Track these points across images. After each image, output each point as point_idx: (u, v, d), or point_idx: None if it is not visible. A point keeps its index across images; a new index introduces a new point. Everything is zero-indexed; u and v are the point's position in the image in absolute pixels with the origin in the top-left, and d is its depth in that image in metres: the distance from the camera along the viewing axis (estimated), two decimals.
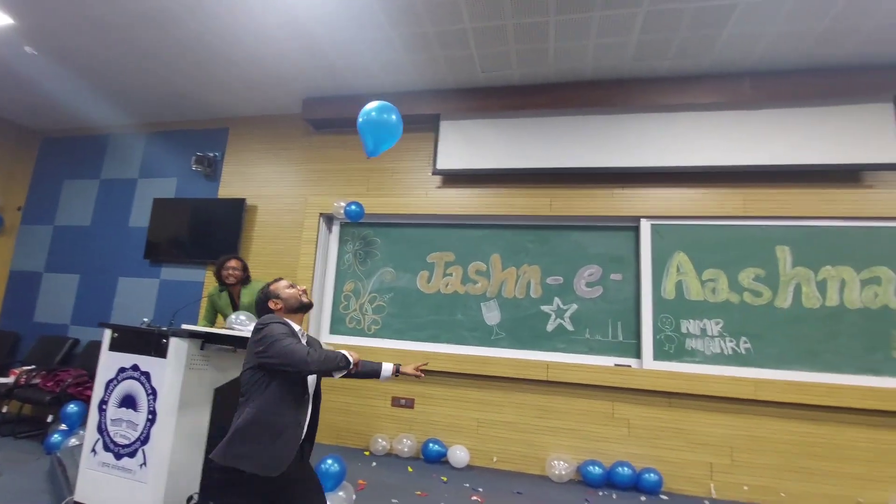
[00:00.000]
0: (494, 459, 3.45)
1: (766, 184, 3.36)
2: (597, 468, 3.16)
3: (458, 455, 3.36)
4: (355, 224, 4.02)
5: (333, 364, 1.57)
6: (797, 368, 3.12)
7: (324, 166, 4.28)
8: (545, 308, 3.59)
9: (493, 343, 3.63)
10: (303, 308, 1.84)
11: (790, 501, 3.00)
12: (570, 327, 3.52)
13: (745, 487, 3.06)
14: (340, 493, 2.41)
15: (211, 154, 4.49)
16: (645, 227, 3.50)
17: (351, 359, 1.62)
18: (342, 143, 4.28)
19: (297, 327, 1.76)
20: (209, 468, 2.17)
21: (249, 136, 4.55)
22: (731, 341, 3.23)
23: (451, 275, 3.80)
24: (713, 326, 3.26)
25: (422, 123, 4.00)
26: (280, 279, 1.91)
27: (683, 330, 3.30)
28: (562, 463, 3.25)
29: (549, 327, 3.56)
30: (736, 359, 3.20)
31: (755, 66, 3.27)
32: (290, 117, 4.41)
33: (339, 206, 3.78)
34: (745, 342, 3.21)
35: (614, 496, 3.01)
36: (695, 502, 3.00)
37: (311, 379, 1.71)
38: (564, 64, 3.39)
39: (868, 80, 3.18)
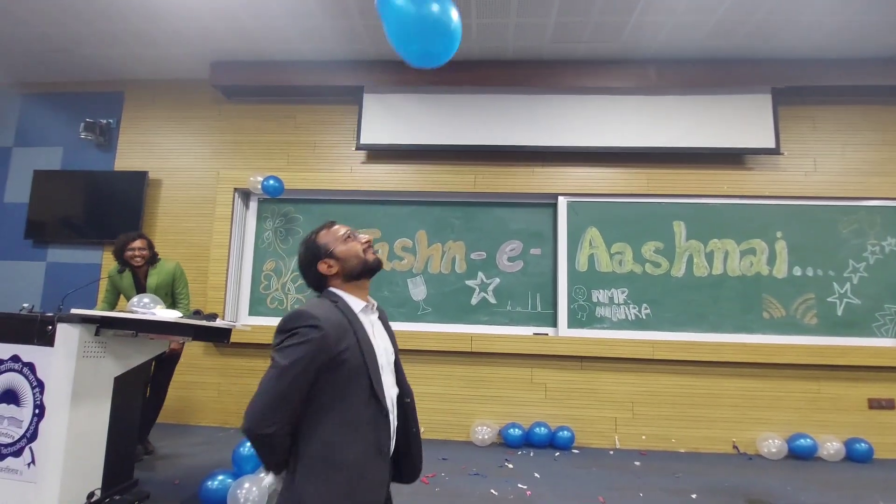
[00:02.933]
0: (422, 430, 3.55)
1: (666, 164, 3.68)
2: (517, 430, 3.38)
3: None
4: (275, 200, 3.83)
5: (264, 459, 1.05)
6: (688, 330, 3.52)
7: (238, 138, 4.00)
8: (469, 282, 3.70)
9: (420, 318, 3.69)
10: (368, 271, 1.20)
11: (679, 445, 3.43)
12: (492, 300, 3.67)
13: (643, 437, 3.44)
14: (262, 475, 2.37)
15: (104, 121, 4.01)
16: (562, 203, 3.70)
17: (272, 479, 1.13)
18: (258, 113, 4.01)
19: (358, 304, 1.13)
20: None
21: (150, 101, 4.12)
22: (634, 308, 3.55)
23: (377, 252, 3.77)
24: (619, 295, 3.57)
25: (345, 96, 3.86)
26: (332, 223, 1.24)
27: (594, 299, 3.58)
28: (485, 428, 3.43)
29: (474, 301, 3.68)
30: (638, 324, 3.54)
31: (659, 54, 3.52)
32: (196, 83, 4.04)
33: (255, 181, 3.57)
34: (646, 308, 3.55)
35: (532, 454, 3.24)
36: (601, 453, 3.32)
37: (388, 380, 1.15)
38: (487, 42, 3.42)
39: (750, 71, 3.55)
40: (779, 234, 3.56)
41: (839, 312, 3.48)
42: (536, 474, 2.87)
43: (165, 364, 2.96)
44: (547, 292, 3.66)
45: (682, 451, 3.41)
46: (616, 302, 3.57)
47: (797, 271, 3.53)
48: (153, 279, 2.92)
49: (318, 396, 1.02)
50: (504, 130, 3.69)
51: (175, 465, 2.86)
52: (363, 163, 3.87)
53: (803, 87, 3.57)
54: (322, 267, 1.15)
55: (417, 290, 3.72)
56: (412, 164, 3.83)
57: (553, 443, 3.37)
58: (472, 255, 3.73)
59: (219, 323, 2.34)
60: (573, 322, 3.56)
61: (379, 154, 3.84)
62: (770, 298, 3.51)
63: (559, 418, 3.49)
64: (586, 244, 3.65)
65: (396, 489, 1.25)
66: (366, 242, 1.22)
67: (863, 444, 3.27)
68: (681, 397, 3.49)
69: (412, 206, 3.84)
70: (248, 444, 1.21)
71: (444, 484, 2.70)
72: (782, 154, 3.57)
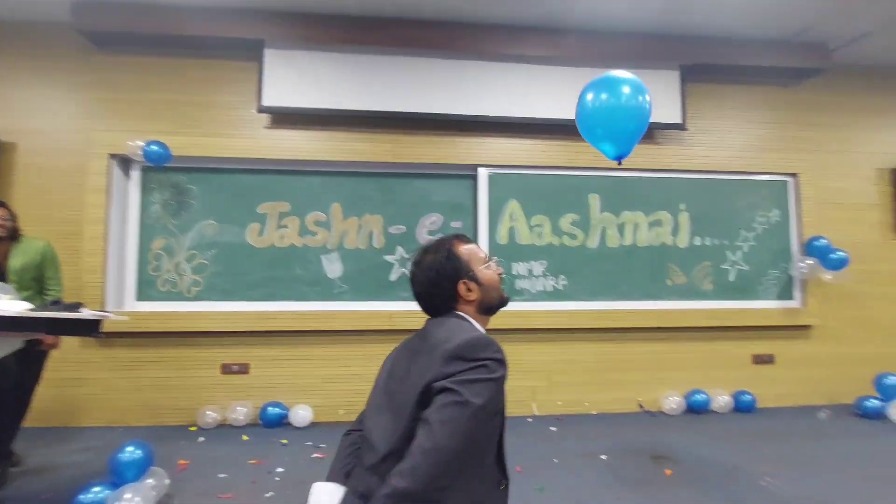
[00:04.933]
0: (342, 413, 3.41)
1: (582, 138, 3.69)
2: None
3: (301, 414, 3.22)
4: (163, 169, 3.35)
5: None
6: (602, 299, 3.65)
7: (113, 95, 3.42)
8: (388, 258, 3.54)
9: (337, 297, 3.48)
10: (499, 308, 1.09)
11: (591, 408, 3.60)
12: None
13: (559, 403, 3.56)
14: (149, 481, 2.10)
15: None
16: (482, 175, 3.61)
17: None
18: (139, 66, 3.44)
19: None
20: None
21: None
22: (552, 279, 3.61)
23: (286, 226, 3.46)
24: (538, 267, 3.60)
25: (243, 50, 3.42)
26: (467, 238, 1.11)
27: (514, 272, 3.57)
28: None
29: (393, 277, 3.53)
30: (555, 295, 3.60)
31: (580, 25, 3.47)
32: (56, 27, 3.36)
33: (135, 145, 3.08)
34: (563, 279, 3.62)
35: None
36: (520, 422, 3.39)
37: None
38: None
39: (662, 47, 3.62)
40: (682, 207, 3.76)
41: (731, 278, 3.79)
42: None
43: (31, 362, 2.51)
44: None
45: (595, 413, 3.58)
46: (535, 274, 3.60)
47: (697, 241, 3.76)
48: (16, 260, 2.44)
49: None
50: (424, 97, 3.48)
51: (45, 477, 2.48)
52: (267, 127, 3.48)
53: (709, 66, 3.71)
54: (461, 287, 1.04)
55: (333, 267, 3.49)
56: (324, 130, 3.51)
57: None
58: (391, 229, 3.55)
59: (83, 314, 1.99)
60: None
61: (286, 118, 3.47)
62: (674, 267, 3.73)
63: None
64: (507, 217, 3.61)
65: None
66: (500, 274, 1.11)
67: (748, 396, 3.64)
68: (594, 363, 3.64)
69: (325, 176, 3.54)
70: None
71: None
72: (687, 129, 3.72)
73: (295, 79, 3.39)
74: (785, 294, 3.83)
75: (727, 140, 3.89)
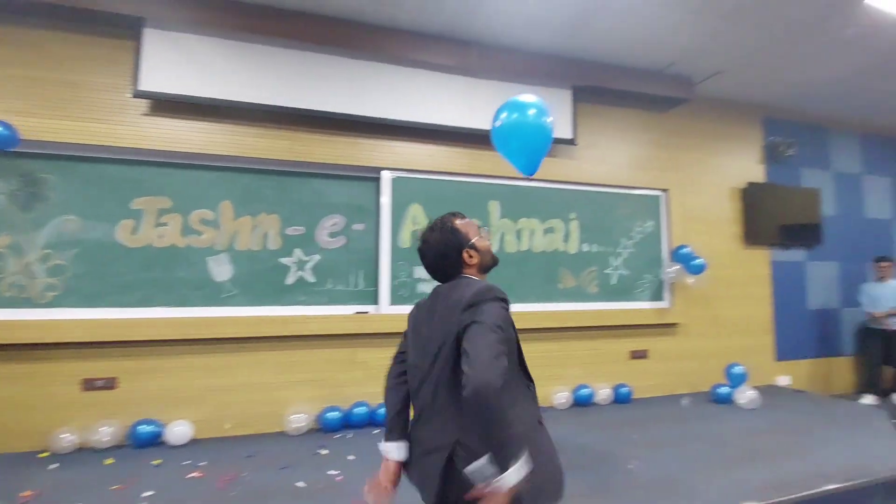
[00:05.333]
0: (228, 427, 3.17)
1: (483, 146, 3.81)
2: (335, 413, 3.25)
3: (178, 431, 2.94)
4: (10, 154, 2.87)
5: (499, 422, 0.96)
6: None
7: None
8: (284, 260, 3.37)
9: (224, 301, 3.23)
10: (493, 267, 1.36)
11: None
12: (311, 279, 3.41)
13: None
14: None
15: None
16: (386, 178, 3.59)
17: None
18: None
19: None
20: None
21: None
22: None
23: (166, 224, 3.15)
24: None
25: (117, 27, 3.06)
26: (462, 215, 1.37)
27: (416, 276, 3.60)
28: (301, 415, 3.21)
29: (289, 280, 3.37)
30: None
31: (481, 38, 3.60)
32: None
33: None
34: None
35: (350, 436, 3.16)
36: None
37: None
38: None
39: (557, 68, 3.90)
40: (572, 216, 4.07)
41: (613, 282, 4.17)
42: (351, 457, 2.80)
43: None
44: (370, 269, 3.55)
45: None
46: None
47: (585, 248, 4.09)
48: None
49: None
50: (326, 95, 3.39)
51: None
52: (146, 115, 3.15)
53: (597, 88, 4.06)
54: (465, 255, 1.28)
55: (221, 270, 3.24)
56: (215, 122, 3.26)
57: (374, 421, 3.34)
58: (288, 230, 3.39)
59: None
60: (396, 299, 3.53)
61: (168, 106, 3.16)
62: (565, 271, 4.01)
63: (379, 396, 3.46)
64: (409, 220, 3.63)
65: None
66: (489, 241, 1.39)
67: (625, 389, 4.02)
68: None
69: (215, 171, 3.29)
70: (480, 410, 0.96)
71: (246, 484, 2.43)
72: (577, 145, 4.04)
73: (180, 64, 3.11)
74: (656, 296, 4.30)
75: (610, 157, 4.29)
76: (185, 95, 3.11)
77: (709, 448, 3.00)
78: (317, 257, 3.43)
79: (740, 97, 4.75)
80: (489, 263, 1.35)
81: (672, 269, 4.19)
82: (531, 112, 1.55)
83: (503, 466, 0.95)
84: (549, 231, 4.00)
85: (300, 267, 3.39)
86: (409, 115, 3.56)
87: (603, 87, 4.04)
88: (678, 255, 4.21)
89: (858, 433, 3.28)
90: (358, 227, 3.55)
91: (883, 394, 4.65)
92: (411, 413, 1.35)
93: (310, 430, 3.25)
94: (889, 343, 4.59)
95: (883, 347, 4.65)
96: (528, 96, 1.84)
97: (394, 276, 3.54)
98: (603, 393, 3.95)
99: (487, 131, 3.68)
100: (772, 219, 4.74)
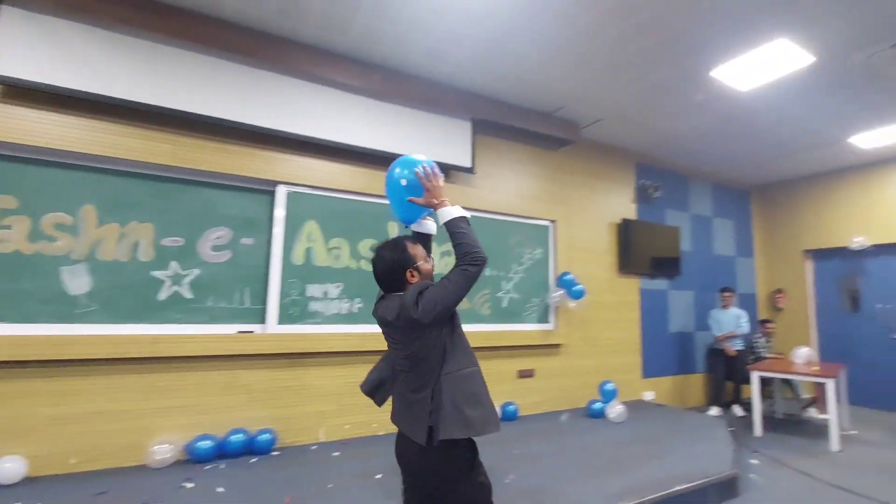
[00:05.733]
0: (73, 462, 2.76)
1: (385, 167, 3.88)
2: (207, 442, 2.99)
3: (7, 469, 2.50)
4: None
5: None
6: None
7: None
8: (158, 273, 3.08)
9: (80, 318, 2.86)
10: None
11: (379, 428, 3.69)
12: (189, 295, 3.16)
13: (347, 426, 3.56)
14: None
15: None
16: (281, 192, 3.48)
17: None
18: None
19: None
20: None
21: None
22: (347, 302, 3.65)
23: (9, 227, 2.73)
24: (334, 290, 3.60)
25: None
26: (414, 242, 1.60)
27: (309, 294, 3.50)
28: (166, 446, 2.91)
29: (162, 296, 3.09)
30: (350, 317, 3.64)
31: (385, 62, 3.70)
32: None
33: None
34: (359, 302, 3.70)
35: (223, 466, 2.92)
36: (303, 450, 3.27)
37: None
38: None
39: (459, 99, 4.12)
40: None
41: (504, 304, 4.41)
42: (220, 489, 2.59)
43: None
44: (258, 286, 3.38)
45: (382, 433, 3.68)
46: (330, 296, 3.58)
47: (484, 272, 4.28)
48: None
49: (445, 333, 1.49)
50: (221, 101, 3.22)
51: None
52: None
53: (495, 123, 4.35)
54: (408, 274, 1.53)
55: (77, 282, 2.87)
56: (83, 117, 2.93)
57: (252, 448, 3.12)
58: (165, 241, 3.12)
59: None
60: (285, 318, 3.39)
61: (26, 94, 2.79)
62: None
63: (263, 421, 3.27)
64: (304, 237, 3.54)
65: None
66: (433, 267, 1.66)
67: (512, 406, 4.22)
68: None
69: (77, 171, 2.94)
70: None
71: None
72: (474, 174, 4.27)
73: (43, 49, 2.77)
74: (543, 318, 4.62)
75: (506, 187, 4.59)
76: (46, 84, 2.76)
77: (580, 459, 3.25)
78: (197, 271, 3.19)
79: (618, 143, 5.39)
80: (424, 287, 1.45)
81: (557, 294, 4.55)
82: (396, 170, 1.58)
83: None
84: (446, 254, 4.13)
85: (176, 281, 3.13)
86: (310, 131, 3.51)
87: (500, 122, 4.34)
88: (562, 281, 4.58)
89: (703, 440, 3.77)
90: (247, 241, 3.38)
91: (725, 406, 5.42)
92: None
93: (176, 461, 2.95)
94: (730, 362, 5.38)
95: (725, 366, 5.44)
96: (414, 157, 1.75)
97: (284, 294, 3.40)
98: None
99: (390, 153, 3.79)
100: (641, 251, 5.38)
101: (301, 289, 3.47)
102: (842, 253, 6.14)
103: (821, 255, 6.46)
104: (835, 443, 4.07)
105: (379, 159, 3.85)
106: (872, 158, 5.67)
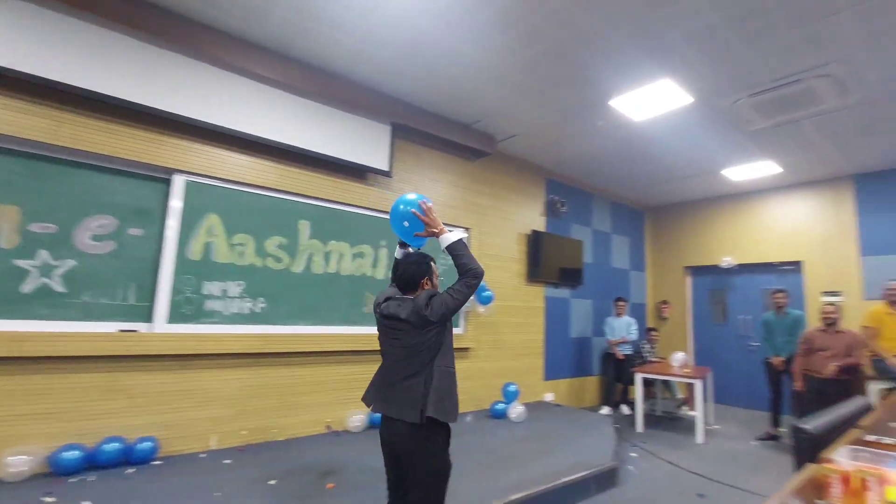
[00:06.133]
0: None
1: (299, 165, 3.82)
2: (74, 452, 2.69)
3: None
4: None
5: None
6: (301, 323, 3.73)
7: None
8: (22, 263, 2.73)
9: None
10: None
11: (279, 434, 3.56)
12: (60, 288, 2.83)
13: (244, 432, 3.39)
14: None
15: None
16: (179, 182, 3.26)
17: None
18: None
19: None
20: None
21: None
22: (249, 301, 3.49)
23: None
24: (235, 288, 3.43)
25: None
26: (433, 260, 2.00)
27: (205, 291, 3.30)
28: (23, 458, 2.57)
29: (27, 288, 2.74)
30: (252, 317, 3.49)
31: (304, 57, 3.62)
32: None
33: None
34: (262, 302, 3.55)
35: (92, 478, 2.65)
36: (190, 459, 3.06)
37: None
38: None
39: (379, 102, 4.14)
40: (383, 243, 4.29)
41: None
42: (86, 502, 2.34)
43: None
44: (146, 282, 3.12)
45: (282, 439, 3.56)
46: (230, 295, 3.41)
47: (392, 274, 4.31)
48: None
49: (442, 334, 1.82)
50: (114, 77, 2.94)
51: None
52: None
53: (414, 129, 4.42)
54: (424, 281, 1.92)
55: None
56: None
57: (130, 458, 2.86)
58: (33, 227, 2.77)
59: None
60: (176, 316, 3.16)
61: None
62: (370, 295, 4.16)
63: (144, 428, 3.01)
64: (203, 231, 3.34)
65: None
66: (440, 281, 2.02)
67: None
68: (287, 387, 3.64)
69: None
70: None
71: None
72: (392, 178, 4.31)
73: None
74: (454, 322, 4.74)
75: (423, 193, 4.66)
76: None
77: (478, 457, 3.38)
78: (72, 263, 2.87)
79: (531, 159, 5.73)
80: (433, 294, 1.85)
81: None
82: (401, 206, 1.99)
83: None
84: (358, 256, 4.12)
85: (45, 273, 2.79)
86: (217, 119, 3.32)
87: (419, 129, 4.42)
88: None
89: (590, 437, 4.10)
90: (135, 231, 3.11)
91: (615, 405, 5.94)
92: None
93: (35, 474, 2.62)
94: (619, 365, 5.91)
95: (615, 369, 5.96)
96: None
97: (176, 291, 3.18)
98: None
99: (306, 150, 3.71)
100: (549, 261, 5.74)
101: (197, 286, 3.26)
102: (714, 270, 7.03)
103: (698, 272, 7.34)
104: (700, 436, 4.64)
105: (294, 155, 3.76)
106: (741, 189, 6.59)
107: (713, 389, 6.03)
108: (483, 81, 3.88)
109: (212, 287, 3.32)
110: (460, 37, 3.26)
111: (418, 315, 1.73)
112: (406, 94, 4.18)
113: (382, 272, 4.27)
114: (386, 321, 1.88)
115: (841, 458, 1.23)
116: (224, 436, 3.31)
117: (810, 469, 1.15)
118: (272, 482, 2.75)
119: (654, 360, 6.16)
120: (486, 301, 4.69)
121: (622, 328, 6.00)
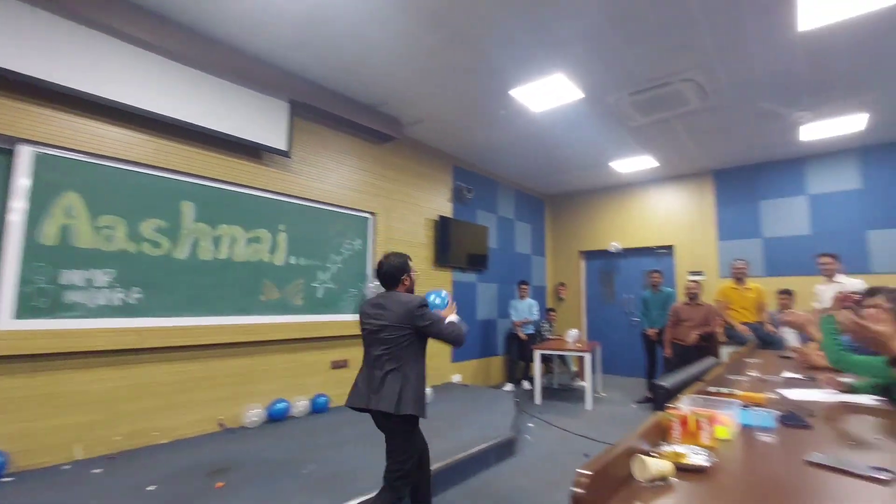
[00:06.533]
0: None
1: (182, 139, 3.46)
2: None
3: None
4: None
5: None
6: (187, 314, 3.41)
7: None
8: None
9: None
10: (412, 291, 2.32)
11: (162, 436, 3.25)
12: None
13: (117, 438, 3.04)
14: None
15: None
16: (25, 153, 2.78)
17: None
18: None
19: None
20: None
21: None
22: (121, 292, 3.10)
23: None
24: (102, 277, 3.02)
25: None
26: (409, 258, 2.32)
27: (64, 281, 2.87)
28: None
29: None
30: (124, 310, 3.11)
31: (191, 23, 3.26)
32: None
33: None
34: (138, 292, 3.18)
35: None
36: (50, 472, 2.67)
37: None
38: None
39: (277, 76, 3.87)
40: (282, 227, 4.06)
41: (319, 295, 4.33)
42: None
43: None
44: None
45: (165, 441, 3.24)
46: (96, 285, 3.00)
47: (293, 260, 4.12)
48: None
49: (421, 339, 2.19)
50: None
51: None
52: None
53: (317, 109, 4.21)
54: (404, 276, 2.25)
55: None
56: None
57: None
58: None
59: None
60: (26, 311, 2.71)
61: None
62: (268, 283, 3.93)
63: None
64: (59, 212, 2.89)
65: None
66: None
67: (322, 398, 4.17)
68: (172, 385, 3.32)
69: None
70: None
71: None
72: (291, 158, 4.09)
73: None
74: (358, 308, 4.66)
75: (326, 175, 4.50)
76: None
77: (379, 442, 3.38)
78: None
79: (438, 144, 5.78)
80: (412, 288, 2.30)
81: (374, 285, 4.65)
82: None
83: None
84: (254, 241, 3.85)
85: None
86: (74, 82, 2.87)
87: (322, 108, 4.23)
88: None
89: (492, 412, 4.30)
90: None
91: (517, 382, 6.30)
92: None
93: None
94: (522, 344, 6.26)
95: (519, 348, 6.31)
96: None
97: (25, 282, 2.72)
98: (300, 405, 3.99)
99: (187, 123, 3.36)
100: (456, 247, 5.87)
101: (52, 275, 2.82)
102: (604, 254, 7.72)
103: (591, 256, 8.01)
104: (589, 404, 5.10)
105: (176, 129, 3.39)
106: (626, 181, 7.27)
107: (601, 362, 6.65)
108: (388, 63, 3.81)
109: (72, 276, 2.89)
110: (362, 15, 3.15)
111: (409, 312, 2.09)
112: (306, 71, 3.97)
113: (282, 257, 4.05)
114: (373, 310, 2.19)
115: (682, 405, 1.42)
116: (92, 444, 2.94)
117: (657, 415, 1.30)
118: (151, 488, 2.50)
119: (552, 337, 6.62)
120: None
121: (525, 310, 6.35)
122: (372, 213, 4.89)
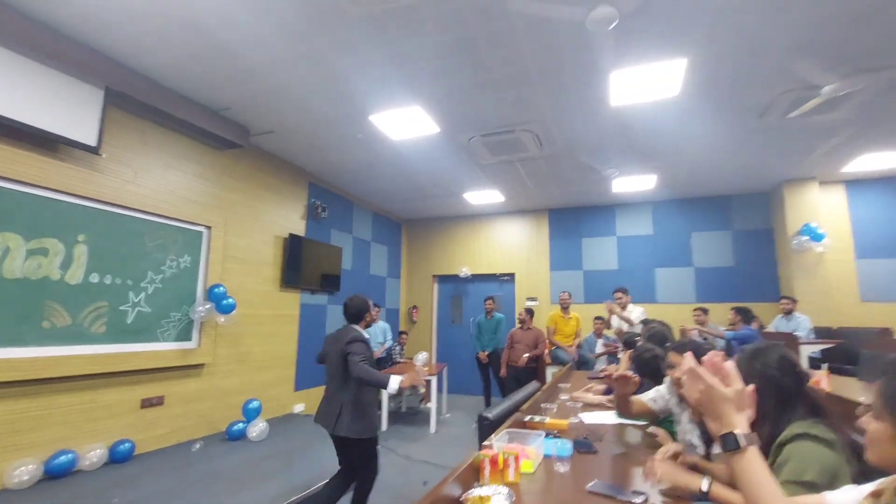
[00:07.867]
0: None
1: None
2: None
3: None
4: None
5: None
6: None
7: None
8: None
9: None
10: (369, 327, 3.16)
11: None
12: None
13: None
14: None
15: None
16: None
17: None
18: None
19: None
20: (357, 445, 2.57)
21: None
22: None
23: None
24: None
25: None
26: (374, 304, 3.11)
27: None
28: None
29: None
30: None
31: None
32: None
33: None
34: None
35: None
36: None
37: None
38: None
39: (88, 58, 3.24)
40: (81, 238, 3.35)
41: (129, 320, 3.65)
42: None
43: None
44: None
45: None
46: None
47: (94, 278, 3.42)
48: None
49: None
50: None
51: None
52: None
53: (140, 102, 3.62)
54: (366, 314, 2.75)
55: None
56: None
57: None
58: None
59: None
60: None
61: None
62: (55, 305, 3.18)
63: None
64: None
65: None
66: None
67: (126, 444, 3.49)
68: None
69: None
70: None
71: None
72: (101, 155, 3.44)
73: None
74: (183, 335, 4.07)
75: (149, 180, 3.88)
76: None
77: (201, 489, 2.96)
78: None
79: (292, 159, 5.47)
80: (370, 323, 2.99)
81: (203, 308, 4.11)
82: None
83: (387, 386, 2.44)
84: (38, 252, 3.10)
85: None
86: None
87: (148, 103, 3.66)
88: (212, 294, 4.20)
89: (331, 446, 4.10)
90: None
91: None
92: None
93: None
94: (381, 367, 6.16)
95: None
96: None
97: None
98: (93, 455, 3.27)
99: None
100: (307, 267, 5.57)
101: None
102: (455, 279, 8.14)
103: (443, 280, 8.37)
104: (433, 426, 5.23)
105: None
106: (477, 211, 7.83)
107: (447, 382, 6.93)
108: (235, 69, 3.49)
109: None
110: (205, 10, 2.83)
111: (346, 345, 2.48)
112: (129, 58, 3.41)
113: (79, 274, 3.32)
114: (331, 344, 2.65)
115: (497, 442, 1.52)
116: None
117: (471, 455, 1.37)
118: None
119: (401, 361, 6.67)
120: (227, 310, 4.19)
121: (377, 334, 6.29)
122: (207, 227, 4.35)
